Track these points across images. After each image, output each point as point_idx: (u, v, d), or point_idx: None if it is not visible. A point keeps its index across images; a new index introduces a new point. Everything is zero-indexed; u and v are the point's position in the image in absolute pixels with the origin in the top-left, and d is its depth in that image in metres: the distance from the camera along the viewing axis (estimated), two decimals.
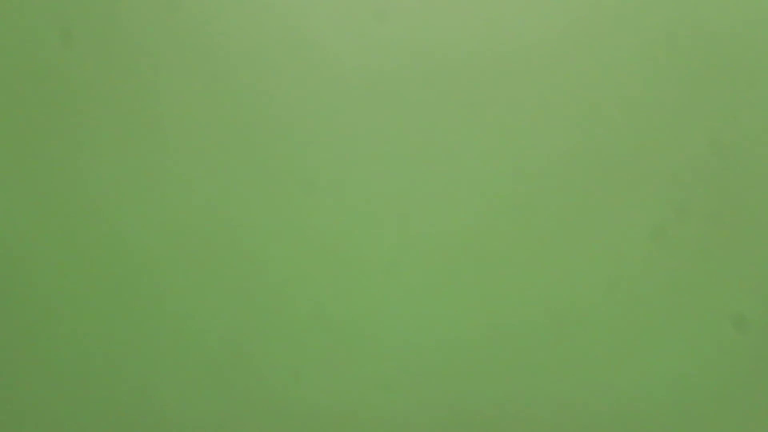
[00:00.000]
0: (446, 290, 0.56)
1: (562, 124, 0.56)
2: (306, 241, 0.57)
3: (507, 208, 0.56)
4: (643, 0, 0.55)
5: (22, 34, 0.58)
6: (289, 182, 0.57)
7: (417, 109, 0.56)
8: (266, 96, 0.57)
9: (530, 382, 0.56)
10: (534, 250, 0.56)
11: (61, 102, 0.58)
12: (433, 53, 0.56)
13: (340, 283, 0.57)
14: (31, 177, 0.58)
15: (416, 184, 0.56)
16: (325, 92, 0.57)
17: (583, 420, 0.56)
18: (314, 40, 0.57)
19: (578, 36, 0.56)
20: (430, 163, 0.56)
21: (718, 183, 0.55)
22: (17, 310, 0.58)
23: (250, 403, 0.57)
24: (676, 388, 0.55)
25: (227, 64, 0.57)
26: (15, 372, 0.58)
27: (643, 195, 0.55)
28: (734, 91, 0.55)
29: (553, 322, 0.56)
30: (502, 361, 0.56)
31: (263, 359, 0.57)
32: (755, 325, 0.55)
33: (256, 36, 0.57)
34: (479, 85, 0.56)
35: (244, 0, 0.57)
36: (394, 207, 0.57)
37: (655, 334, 0.55)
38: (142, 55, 0.57)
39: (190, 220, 0.57)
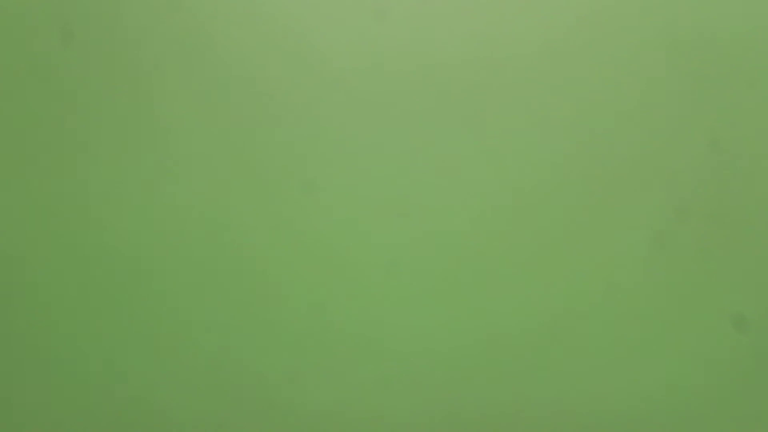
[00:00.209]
0: (444, 295, 0.56)
1: (561, 126, 0.56)
2: (304, 244, 0.57)
3: (506, 210, 0.56)
4: (644, 2, 0.55)
5: (22, 34, 0.58)
6: (288, 183, 0.57)
7: (416, 110, 0.56)
8: (266, 96, 0.57)
9: (530, 387, 0.56)
10: (534, 251, 0.56)
11: (62, 102, 0.58)
12: (433, 53, 0.56)
13: (338, 286, 0.57)
14: (31, 177, 0.58)
15: (415, 186, 0.56)
16: (325, 93, 0.57)
17: (583, 422, 0.56)
18: (314, 41, 0.57)
19: (579, 37, 0.56)
20: (429, 164, 0.56)
21: (718, 183, 0.55)
22: (13, 314, 0.58)
23: (247, 406, 0.57)
24: (676, 389, 0.55)
25: (227, 64, 0.57)
26: (12, 375, 0.58)
27: (643, 196, 0.55)
28: (734, 94, 0.55)
29: (554, 324, 0.56)
30: (501, 365, 0.56)
31: (261, 362, 0.57)
32: (755, 325, 0.55)
33: (256, 36, 0.57)
34: (478, 86, 0.56)
35: (245, 0, 0.57)
36: (394, 208, 0.57)
37: (655, 334, 0.55)
38: (143, 56, 0.57)
39: (189, 220, 0.57)
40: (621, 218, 0.55)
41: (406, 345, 0.57)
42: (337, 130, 0.57)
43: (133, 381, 0.58)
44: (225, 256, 0.57)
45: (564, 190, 0.56)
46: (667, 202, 0.55)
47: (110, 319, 0.58)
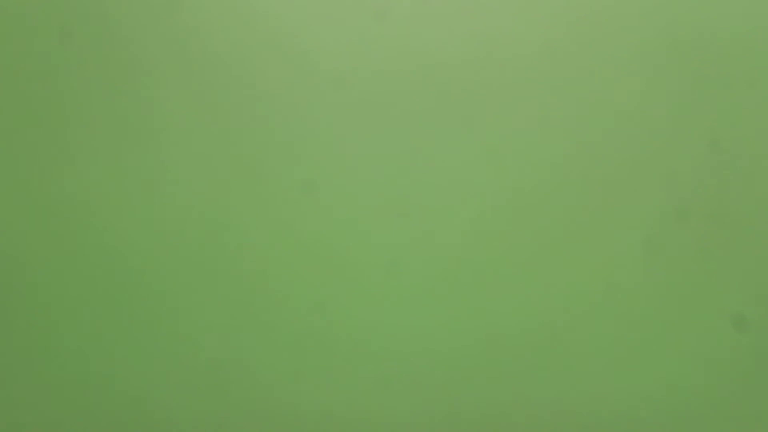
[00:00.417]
0: (443, 295, 0.56)
1: (561, 126, 0.56)
2: (304, 244, 0.57)
3: (506, 209, 0.56)
4: (644, 3, 0.55)
5: (22, 34, 0.58)
6: (288, 183, 0.57)
7: (416, 111, 0.56)
8: (266, 96, 0.57)
9: (529, 387, 0.56)
10: (534, 251, 0.56)
11: (61, 101, 0.58)
12: (433, 54, 0.56)
13: (338, 287, 0.57)
14: (30, 176, 0.58)
15: (415, 186, 0.56)
16: (325, 93, 0.57)
17: (583, 422, 0.56)
18: (314, 41, 0.57)
19: (579, 38, 0.56)
20: (429, 164, 0.56)
21: (718, 183, 0.55)
22: (12, 316, 0.58)
23: (248, 406, 0.57)
24: (676, 389, 0.55)
25: (227, 64, 0.57)
26: (10, 376, 0.58)
27: (643, 196, 0.55)
28: (734, 94, 0.55)
29: (554, 324, 0.56)
30: (501, 365, 0.56)
31: (261, 362, 0.57)
32: (755, 325, 0.55)
33: (255, 36, 0.57)
34: (478, 86, 0.56)
35: (245, 0, 0.57)
36: (394, 208, 0.57)
37: (655, 334, 0.55)
38: (142, 56, 0.57)
39: (189, 220, 0.57)
40: (621, 218, 0.55)
41: (406, 345, 0.57)
42: (337, 130, 0.57)
43: (132, 381, 0.58)
44: (225, 256, 0.57)
45: (564, 189, 0.56)
46: (667, 202, 0.55)
47: (110, 319, 0.58)
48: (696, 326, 0.55)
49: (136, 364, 0.58)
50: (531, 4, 0.56)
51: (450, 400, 0.57)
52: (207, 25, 0.57)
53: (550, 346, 0.56)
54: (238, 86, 0.57)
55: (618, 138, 0.55)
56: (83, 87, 0.58)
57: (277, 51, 0.57)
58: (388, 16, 0.56)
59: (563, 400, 0.56)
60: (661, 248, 0.55)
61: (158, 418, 0.58)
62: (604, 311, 0.56)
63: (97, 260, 0.58)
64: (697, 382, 0.55)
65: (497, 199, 0.56)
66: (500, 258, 0.56)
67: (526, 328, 0.56)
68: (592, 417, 0.56)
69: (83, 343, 0.58)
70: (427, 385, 0.57)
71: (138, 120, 0.57)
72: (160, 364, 0.57)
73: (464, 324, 0.56)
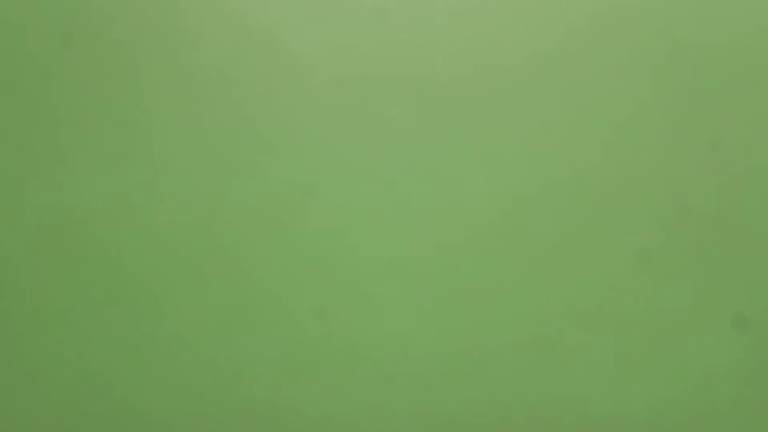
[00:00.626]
0: (440, 303, 0.56)
1: (562, 126, 0.56)
2: (302, 249, 0.57)
3: (506, 207, 0.56)
4: (644, 4, 0.55)
5: (23, 36, 0.58)
6: (285, 187, 0.57)
7: (416, 113, 0.56)
8: (264, 99, 0.57)
9: (528, 395, 0.56)
10: (535, 252, 0.56)
11: (62, 103, 0.58)
12: (433, 54, 0.56)
13: (337, 292, 0.57)
14: (30, 176, 0.58)
15: (413, 189, 0.56)
16: (324, 95, 0.57)
17: (583, 422, 0.56)
18: (313, 42, 0.57)
19: (579, 39, 0.56)
20: (425, 168, 0.56)
21: (718, 184, 0.55)
22: (6, 319, 0.58)
23: (247, 411, 0.57)
24: (676, 389, 0.55)
25: (227, 64, 0.57)
26: (5, 381, 0.58)
27: (643, 197, 0.55)
28: (735, 95, 0.55)
29: (553, 323, 0.56)
30: (497, 373, 0.56)
31: (260, 366, 0.57)
32: (755, 325, 0.55)
33: (255, 36, 0.57)
34: (478, 90, 0.56)
35: (245, 1, 0.57)
36: (393, 210, 0.57)
37: (655, 334, 0.55)
38: (143, 57, 0.57)
39: (186, 223, 0.57)
40: (620, 218, 0.55)
41: (403, 350, 0.57)
42: (334, 132, 0.57)
43: (129, 385, 0.58)
44: (222, 259, 0.57)
45: (564, 189, 0.56)
46: (667, 202, 0.55)
47: (107, 321, 0.58)
48: (696, 326, 0.55)
49: (133, 368, 0.58)
50: (530, 7, 0.56)
51: (447, 406, 0.57)
52: (207, 27, 0.57)
53: (550, 347, 0.56)
54: (236, 87, 0.57)
55: (618, 139, 0.55)
56: (84, 88, 0.58)
57: (277, 51, 0.57)
58: (388, 16, 0.56)
59: (562, 403, 0.56)
60: (661, 248, 0.55)
61: (155, 422, 0.58)
62: (604, 311, 0.56)
63: (94, 262, 0.58)
64: (697, 382, 0.55)
65: (497, 200, 0.56)
66: (500, 260, 0.56)
67: (527, 328, 0.56)
68: (592, 416, 0.56)
69: (78, 346, 0.58)
70: (424, 390, 0.57)
71: (138, 121, 0.57)
72: (157, 368, 0.58)
73: (462, 330, 0.56)
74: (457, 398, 0.56)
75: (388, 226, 0.56)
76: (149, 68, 0.57)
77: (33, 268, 0.58)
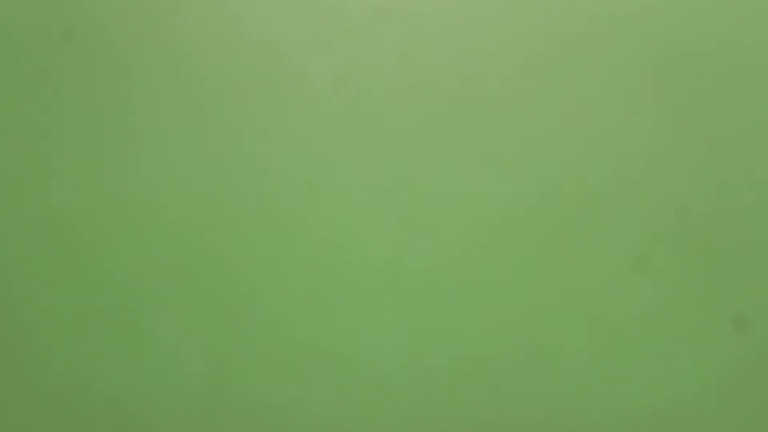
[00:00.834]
0: (438, 308, 0.56)
1: (562, 126, 0.56)
2: (301, 251, 0.57)
3: (506, 207, 0.56)
4: (643, 4, 0.56)
5: (22, 35, 0.58)
6: (284, 189, 0.57)
7: (416, 115, 0.56)
8: (263, 100, 0.57)
9: (523, 402, 0.56)
10: (535, 254, 0.56)
11: (62, 102, 0.58)
12: (433, 55, 0.56)
13: (335, 296, 0.57)
14: (29, 176, 0.58)
15: (412, 192, 0.57)
16: (324, 96, 0.57)
17: (583, 422, 0.56)
18: (313, 43, 0.57)
19: (580, 40, 0.56)
20: (426, 170, 0.56)
21: (718, 184, 0.55)
22: None
23: (242, 417, 0.57)
24: (675, 390, 0.55)
25: (228, 64, 0.57)
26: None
27: (643, 197, 0.55)
28: (735, 95, 0.55)
29: (553, 324, 0.56)
30: (492, 382, 0.56)
31: (258, 369, 0.57)
32: (755, 325, 0.55)
33: (255, 37, 0.57)
34: (478, 92, 0.56)
35: (245, 1, 0.57)
36: (393, 211, 0.57)
37: (655, 334, 0.55)
38: (143, 56, 0.58)
39: (184, 226, 0.57)
40: (620, 219, 0.55)
41: (403, 352, 0.57)
42: (336, 132, 0.57)
43: (123, 388, 0.58)
44: (220, 261, 0.57)
45: (563, 192, 0.56)
46: (666, 204, 0.55)
47: (100, 324, 0.58)
48: (696, 326, 0.55)
49: (126, 371, 0.58)
50: (531, 9, 0.56)
51: (445, 410, 0.56)
52: (206, 26, 0.57)
53: (550, 349, 0.56)
54: (236, 88, 0.57)
55: (618, 139, 0.55)
56: (84, 87, 0.58)
57: (276, 52, 0.57)
58: (387, 17, 0.56)
59: (562, 407, 0.56)
60: (661, 249, 0.55)
61: (148, 426, 0.58)
62: (605, 314, 0.56)
63: (93, 262, 0.58)
64: (697, 382, 0.55)
65: (497, 200, 0.56)
66: (500, 262, 0.56)
67: (527, 336, 0.56)
68: (593, 422, 0.56)
69: (71, 348, 0.58)
70: (423, 393, 0.57)
71: (138, 121, 0.58)
72: (152, 371, 0.57)
73: (462, 333, 0.56)
74: (455, 402, 0.56)
75: (387, 230, 0.56)
76: (149, 68, 0.57)
77: (27, 268, 0.58)
